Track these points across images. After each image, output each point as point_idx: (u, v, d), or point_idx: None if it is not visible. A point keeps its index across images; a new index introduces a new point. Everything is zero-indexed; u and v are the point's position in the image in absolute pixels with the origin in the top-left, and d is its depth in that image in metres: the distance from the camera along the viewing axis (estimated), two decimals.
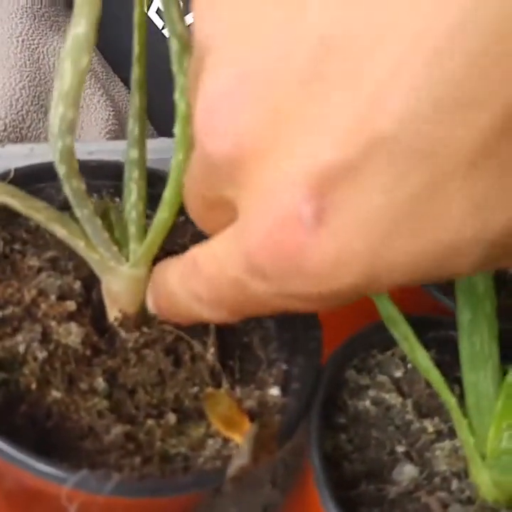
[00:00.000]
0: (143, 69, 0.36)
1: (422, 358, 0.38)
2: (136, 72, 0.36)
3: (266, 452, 0.34)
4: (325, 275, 0.24)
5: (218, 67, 0.24)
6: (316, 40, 0.21)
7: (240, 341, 0.44)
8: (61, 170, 0.32)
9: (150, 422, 0.37)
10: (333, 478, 0.38)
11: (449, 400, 0.38)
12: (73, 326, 0.38)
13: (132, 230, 0.38)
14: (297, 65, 0.22)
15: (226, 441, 0.37)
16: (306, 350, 0.41)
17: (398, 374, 0.44)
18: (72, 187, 0.33)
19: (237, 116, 0.23)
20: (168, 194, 0.35)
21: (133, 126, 0.37)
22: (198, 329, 0.43)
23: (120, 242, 0.37)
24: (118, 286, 0.38)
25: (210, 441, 0.37)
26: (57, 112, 0.29)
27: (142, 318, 0.40)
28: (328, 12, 0.21)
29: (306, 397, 0.38)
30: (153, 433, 0.36)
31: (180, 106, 0.33)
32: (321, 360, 0.41)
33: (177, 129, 0.34)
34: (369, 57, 0.20)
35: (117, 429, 0.36)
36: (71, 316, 0.39)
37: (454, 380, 0.42)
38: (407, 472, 0.39)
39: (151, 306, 0.38)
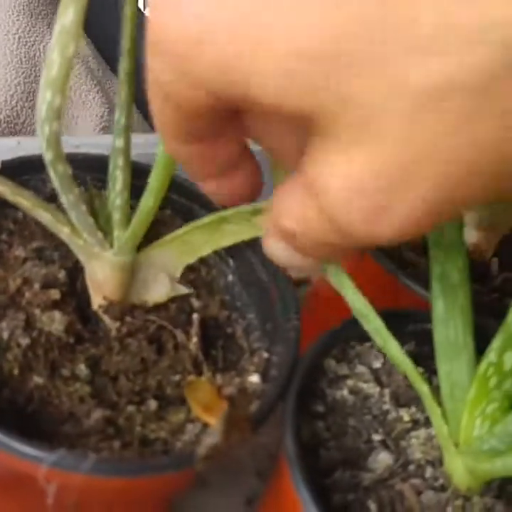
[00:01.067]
0: (132, 61, 0.37)
1: (395, 350, 0.39)
2: (124, 64, 0.37)
3: (238, 432, 0.34)
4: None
5: None
6: None
7: (223, 332, 0.45)
8: (48, 156, 0.33)
9: (130, 408, 0.38)
10: (309, 465, 0.39)
11: (422, 388, 0.39)
12: (57, 314, 0.39)
13: (116, 217, 0.38)
14: None
15: (205, 426, 0.38)
16: (285, 339, 0.42)
17: (377, 365, 0.45)
18: (57, 172, 0.33)
19: None
20: (153, 182, 0.36)
21: (119, 116, 0.38)
22: (182, 319, 0.44)
23: (105, 230, 0.38)
24: (102, 273, 0.39)
25: (190, 427, 0.38)
26: (44, 99, 0.30)
27: (126, 306, 0.41)
28: None
29: (283, 383, 0.39)
30: (133, 418, 0.37)
31: None
32: (299, 349, 0.41)
33: None
34: None
35: (97, 414, 0.36)
36: (55, 305, 0.40)
37: (433, 371, 0.43)
38: (382, 460, 0.40)
39: None
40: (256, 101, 0.24)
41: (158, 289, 0.42)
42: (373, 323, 0.39)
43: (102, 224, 0.39)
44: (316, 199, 0.26)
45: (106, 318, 0.40)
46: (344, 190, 0.25)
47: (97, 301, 0.40)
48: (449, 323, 0.40)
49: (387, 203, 0.25)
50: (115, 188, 0.39)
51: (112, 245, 0.39)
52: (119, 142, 0.38)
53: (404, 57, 0.22)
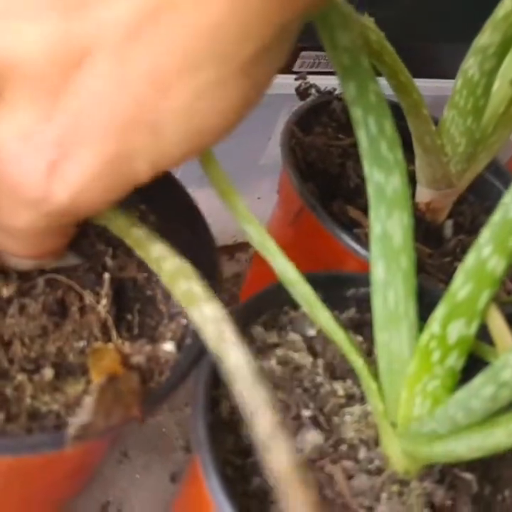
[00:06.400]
0: None
1: (325, 320, 0.34)
2: None
3: (122, 409, 0.30)
4: None
5: None
6: None
7: (142, 295, 0.40)
8: None
9: (20, 376, 0.33)
10: (227, 444, 0.35)
11: (356, 362, 0.35)
12: None
13: None
14: None
15: None
16: None
17: (311, 332, 0.41)
18: None
19: None
20: None
21: None
22: (92, 280, 0.39)
23: None
24: None
25: (88, 399, 0.33)
26: None
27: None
28: None
29: (196, 353, 0.34)
30: (22, 389, 0.33)
31: None
32: None
33: None
34: None
35: None
36: None
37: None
38: (311, 439, 0.36)
39: None
40: None
41: None
42: (300, 290, 0.34)
43: None
44: None
45: None
46: (14, 144, 0.25)
47: None
48: (389, 288, 0.36)
49: (58, 156, 0.24)
50: None
51: None
52: None
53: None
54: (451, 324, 0.33)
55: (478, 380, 0.29)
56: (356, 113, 0.35)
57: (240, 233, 0.69)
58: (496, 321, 0.34)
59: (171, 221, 0.42)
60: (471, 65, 0.48)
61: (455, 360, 0.34)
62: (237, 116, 0.26)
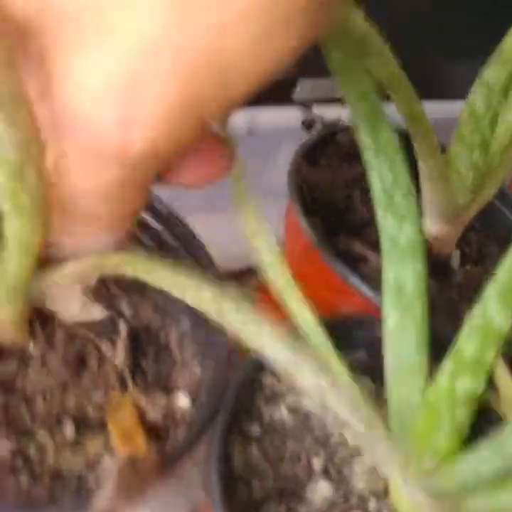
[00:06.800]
0: None
1: (335, 365, 0.35)
2: None
3: (140, 481, 0.30)
4: None
5: None
6: None
7: (156, 340, 0.41)
8: None
9: (43, 434, 0.34)
10: (240, 496, 0.35)
11: (369, 415, 0.35)
12: None
13: None
14: None
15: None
16: (216, 355, 0.38)
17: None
18: None
19: None
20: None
21: None
22: (108, 327, 0.39)
23: None
24: None
25: (107, 459, 0.34)
26: None
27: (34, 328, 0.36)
28: None
29: (211, 409, 0.35)
30: (45, 449, 0.33)
31: None
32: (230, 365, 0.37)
33: None
34: None
35: (2, 445, 0.32)
36: None
37: (383, 381, 0.39)
38: (321, 490, 0.36)
39: None
40: None
41: (69, 308, 0.37)
42: (313, 338, 0.34)
43: None
44: (66, 132, 0.25)
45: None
46: (78, 103, 0.24)
47: None
48: (402, 340, 0.36)
49: (124, 104, 0.24)
50: None
51: None
52: None
53: None
54: (459, 380, 0.34)
55: (485, 449, 0.29)
56: (370, 158, 0.35)
57: (245, 260, 0.68)
58: (503, 378, 0.35)
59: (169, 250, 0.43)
60: (476, 97, 0.48)
61: (464, 416, 0.34)
62: (294, 55, 0.25)
